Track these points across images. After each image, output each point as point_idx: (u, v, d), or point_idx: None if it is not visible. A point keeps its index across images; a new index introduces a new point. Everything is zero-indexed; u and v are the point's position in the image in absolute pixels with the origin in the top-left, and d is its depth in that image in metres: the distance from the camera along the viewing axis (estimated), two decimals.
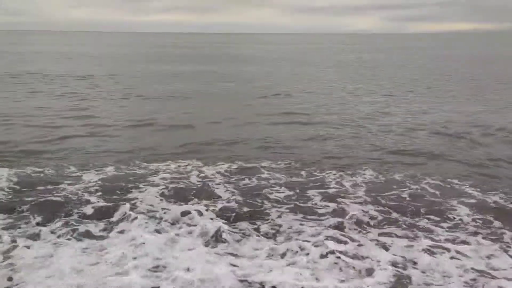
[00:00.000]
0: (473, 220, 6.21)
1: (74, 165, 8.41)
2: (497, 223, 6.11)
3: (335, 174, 8.05)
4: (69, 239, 5.45)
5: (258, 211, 6.41)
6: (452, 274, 4.81)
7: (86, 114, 13.77)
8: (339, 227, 5.93)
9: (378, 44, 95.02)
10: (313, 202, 6.77)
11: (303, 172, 8.19)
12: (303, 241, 5.44)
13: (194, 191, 7.11)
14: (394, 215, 6.36)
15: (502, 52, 60.20)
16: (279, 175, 7.98)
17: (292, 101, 16.64)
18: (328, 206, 6.60)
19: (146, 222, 5.90)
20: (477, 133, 11.44)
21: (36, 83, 21.37)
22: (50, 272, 4.66)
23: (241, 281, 4.59)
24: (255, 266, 4.87)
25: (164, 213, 6.22)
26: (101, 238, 5.53)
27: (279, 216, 6.24)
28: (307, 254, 5.12)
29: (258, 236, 5.68)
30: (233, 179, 7.76)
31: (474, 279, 4.73)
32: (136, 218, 6.02)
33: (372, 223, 6.10)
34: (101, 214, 6.23)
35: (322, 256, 5.05)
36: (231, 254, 5.16)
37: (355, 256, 5.10)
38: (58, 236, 5.52)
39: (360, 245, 5.40)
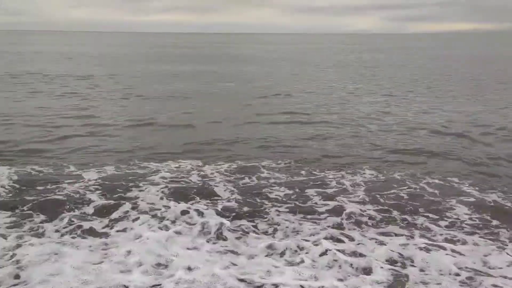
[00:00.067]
0: (471, 218, 6.27)
1: (74, 164, 8.45)
2: (494, 222, 6.16)
3: (335, 173, 8.08)
4: (73, 237, 5.51)
5: (258, 210, 6.45)
6: (449, 272, 4.85)
7: (86, 114, 13.79)
8: (338, 226, 6.00)
9: (378, 44, 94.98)
10: (313, 201, 6.81)
11: (303, 171, 8.23)
12: (302, 240, 5.49)
13: (195, 190, 7.15)
14: (393, 214, 6.41)
15: (502, 52, 60.17)
16: (279, 174, 8.01)
17: (292, 101, 16.66)
18: (328, 205, 6.64)
19: (147, 221, 5.96)
20: (477, 132, 11.48)
21: (36, 83, 21.39)
22: (55, 269, 4.72)
23: (241, 280, 4.62)
24: (255, 265, 4.91)
25: (165, 211, 6.27)
26: (104, 236, 5.58)
27: (279, 215, 6.29)
28: (307, 253, 5.17)
29: (258, 235, 5.73)
30: (233, 178, 7.79)
31: (471, 278, 4.77)
32: (137, 216, 6.09)
33: (371, 222, 6.15)
34: (103, 212, 6.29)
35: (321, 255, 5.09)
36: (231, 252, 5.21)
37: (353, 255, 5.14)
38: (62, 235, 5.59)
39: (359, 243, 5.44)
